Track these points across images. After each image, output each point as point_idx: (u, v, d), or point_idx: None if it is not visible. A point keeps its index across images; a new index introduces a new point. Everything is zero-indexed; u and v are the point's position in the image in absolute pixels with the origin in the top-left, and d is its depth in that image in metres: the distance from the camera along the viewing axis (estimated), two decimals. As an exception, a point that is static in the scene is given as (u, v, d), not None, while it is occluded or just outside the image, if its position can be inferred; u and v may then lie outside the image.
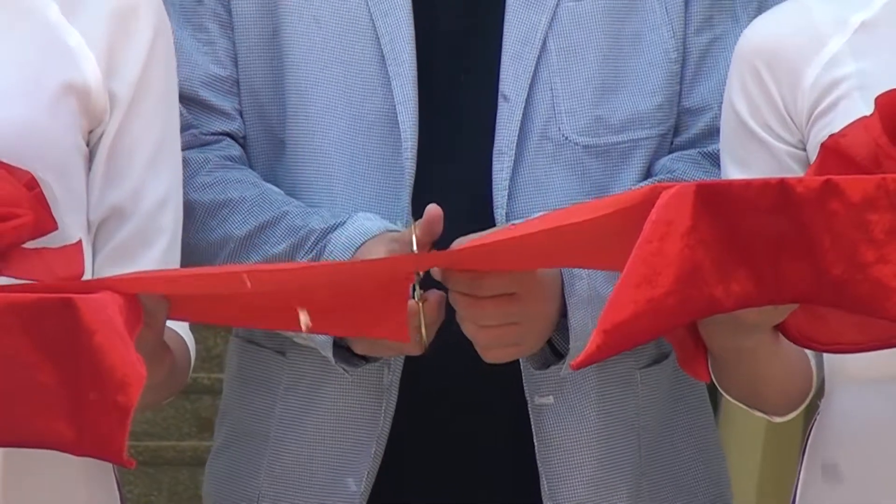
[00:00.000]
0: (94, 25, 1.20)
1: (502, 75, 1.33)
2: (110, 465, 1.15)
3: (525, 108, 1.34)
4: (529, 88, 1.35)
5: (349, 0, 1.35)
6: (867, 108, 1.04)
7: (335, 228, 1.27)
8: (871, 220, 0.96)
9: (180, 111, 1.28)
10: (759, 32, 1.23)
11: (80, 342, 1.00)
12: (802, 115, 1.15)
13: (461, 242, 1.10)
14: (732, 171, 1.18)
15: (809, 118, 1.15)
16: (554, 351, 1.25)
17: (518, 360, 1.27)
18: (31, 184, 1.07)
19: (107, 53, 1.18)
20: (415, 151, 1.31)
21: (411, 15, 1.33)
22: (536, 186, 1.34)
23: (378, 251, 1.19)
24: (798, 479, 1.20)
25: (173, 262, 1.18)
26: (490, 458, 1.36)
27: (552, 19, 1.34)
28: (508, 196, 1.32)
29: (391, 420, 1.32)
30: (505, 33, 1.34)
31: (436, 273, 1.14)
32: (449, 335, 1.21)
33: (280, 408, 1.34)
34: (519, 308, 1.18)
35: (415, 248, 1.15)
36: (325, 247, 1.25)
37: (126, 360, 1.00)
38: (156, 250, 1.18)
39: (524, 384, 1.29)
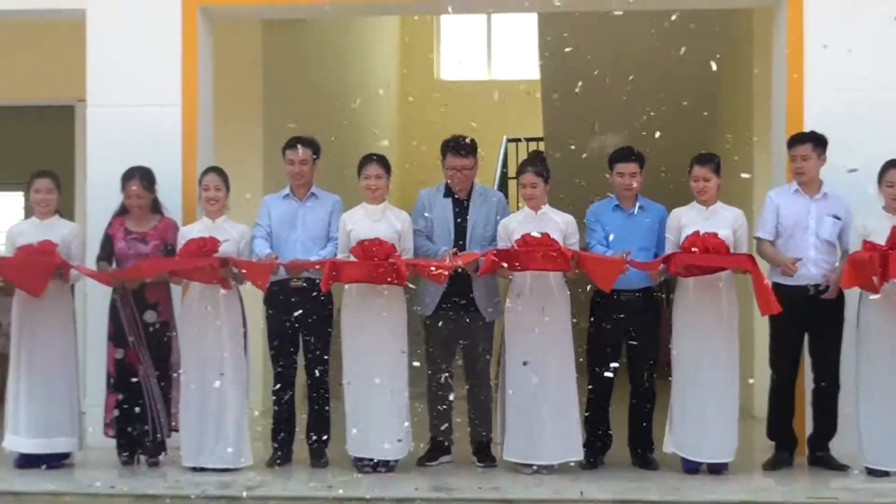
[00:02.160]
0: (397, 219, 5.62)
1: (468, 229, 5.73)
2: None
3: (472, 233, 5.73)
4: (471, 230, 5.73)
5: (441, 209, 5.76)
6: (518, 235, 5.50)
7: (440, 251, 5.55)
8: (537, 254, 5.36)
9: (416, 230, 5.69)
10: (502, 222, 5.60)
11: (395, 273, 5.35)
12: (511, 239, 5.39)
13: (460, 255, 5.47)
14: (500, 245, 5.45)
15: (509, 238, 5.44)
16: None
17: (471, 276, 5.57)
18: (392, 245, 5.46)
19: (400, 227, 5.56)
20: (453, 239, 5.70)
21: (452, 215, 5.77)
22: (474, 248, 5.63)
23: (445, 254, 5.41)
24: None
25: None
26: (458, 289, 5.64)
27: (475, 222, 5.74)
28: (467, 247, 5.62)
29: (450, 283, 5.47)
30: (470, 221, 5.73)
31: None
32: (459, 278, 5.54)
33: None
34: (475, 263, 5.40)
35: (450, 257, 5.37)
36: (437, 256, 5.52)
37: (404, 275, 5.38)
38: (407, 255, 5.51)
39: (471, 276, 5.56)
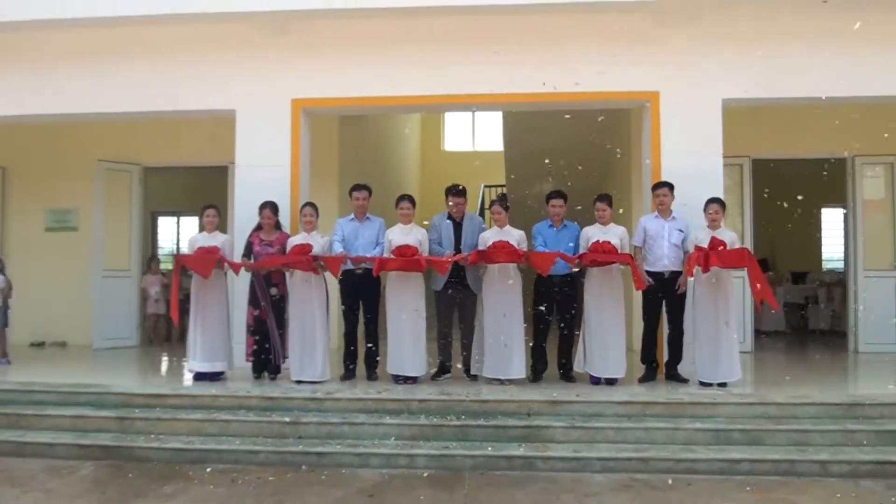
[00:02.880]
0: (419, 233, 5.41)
1: (462, 239, 5.44)
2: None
3: (464, 241, 5.40)
4: (464, 240, 5.43)
5: (446, 228, 5.49)
6: (491, 242, 5.36)
7: (444, 253, 5.39)
8: (502, 253, 5.29)
9: (430, 240, 5.47)
10: (481, 235, 5.42)
11: (418, 265, 5.24)
12: (486, 245, 5.28)
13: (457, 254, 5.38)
14: (480, 248, 5.33)
15: (486, 244, 5.36)
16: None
17: (464, 267, 5.40)
18: (416, 249, 5.39)
19: (421, 238, 5.35)
20: (453, 245, 5.48)
21: (452, 231, 5.51)
22: (465, 251, 5.38)
23: (448, 255, 5.38)
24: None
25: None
26: (456, 277, 5.49)
27: (466, 235, 5.45)
28: (461, 250, 5.38)
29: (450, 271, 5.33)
30: (462, 234, 5.50)
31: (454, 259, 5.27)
32: (456, 267, 5.41)
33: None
34: (465, 259, 5.25)
35: (451, 256, 5.34)
36: (443, 255, 5.39)
37: (423, 267, 5.33)
38: (424, 254, 5.36)
39: (463, 267, 5.40)
